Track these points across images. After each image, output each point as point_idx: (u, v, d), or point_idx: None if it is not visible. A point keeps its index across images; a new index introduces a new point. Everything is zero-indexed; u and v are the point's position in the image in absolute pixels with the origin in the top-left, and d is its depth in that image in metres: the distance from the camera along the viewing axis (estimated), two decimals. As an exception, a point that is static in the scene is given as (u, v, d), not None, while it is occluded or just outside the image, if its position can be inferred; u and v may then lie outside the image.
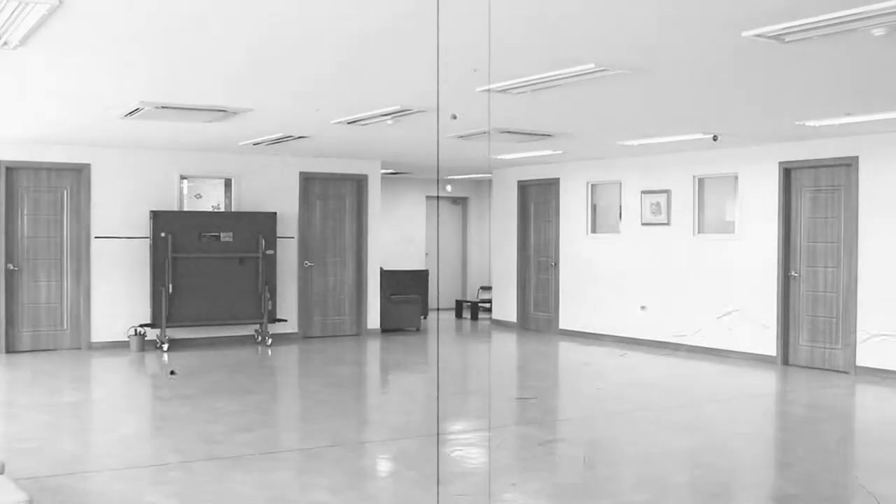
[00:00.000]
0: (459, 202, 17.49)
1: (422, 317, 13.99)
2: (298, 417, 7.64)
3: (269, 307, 11.46)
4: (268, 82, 6.50)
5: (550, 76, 5.99)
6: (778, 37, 4.78)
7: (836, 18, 4.38)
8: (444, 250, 17.30)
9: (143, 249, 11.15)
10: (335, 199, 12.63)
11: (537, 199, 13.59)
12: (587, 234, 12.65)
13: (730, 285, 10.59)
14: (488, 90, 6.51)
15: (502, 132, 9.27)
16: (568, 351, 11.62)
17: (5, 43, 5.06)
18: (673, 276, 11.31)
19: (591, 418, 7.39)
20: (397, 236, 16.38)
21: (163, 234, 10.87)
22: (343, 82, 6.45)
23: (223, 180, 11.95)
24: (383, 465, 6.03)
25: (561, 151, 11.33)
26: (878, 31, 4.58)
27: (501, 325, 14.12)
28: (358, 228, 12.78)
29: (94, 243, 10.98)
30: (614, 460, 6.17)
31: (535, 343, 12.28)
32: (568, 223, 12.93)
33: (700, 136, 9.44)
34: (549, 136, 9.60)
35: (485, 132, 9.24)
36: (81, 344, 10.93)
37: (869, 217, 9.26)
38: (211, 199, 11.94)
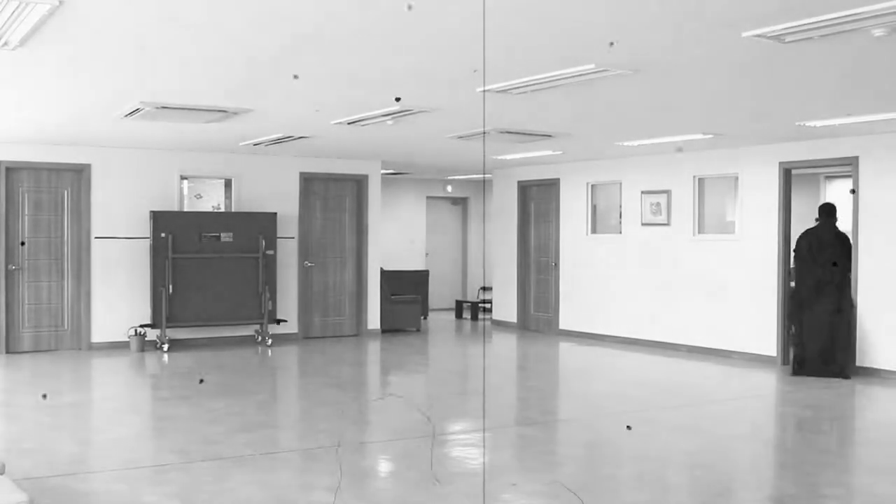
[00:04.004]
0: (459, 202, 17.49)
1: (422, 317, 13.99)
2: (298, 418, 7.64)
3: (270, 307, 11.46)
4: (268, 82, 6.50)
5: (550, 76, 5.99)
6: (778, 37, 4.78)
7: (836, 19, 4.38)
8: (445, 250, 17.30)
9: (143, 250, 11.15)
10: (335, 199, 12.63)
11: (537, 200, 13.59)
12: (587, 234, 12.65)
13: (730, 285, 10.59)
14: (483, 91, 6.51)
15: (502, 132, 9.27)
16: (568, 351, 11.62)
17: (5, 43, 5.06)
18: (673, 277, 11.30)
19: (591, 418, 7.39)
20: (400, 236, 16.39)
21: (163, 235, 10.87)
22: (343, 82, 6.45)
23: (223, 180, 11.96)
24: (383, 466, 6.03)
25: (561, 152, 11.33)
26: (878, 32, 4.58)
27: (501, 325, 14.11)
28: (358, 228, 12.78)
29: (95, 244, 10.98)
30: (613, 460, 6.17)
31: (535, 343, 12.27)
32: (568, 223, 12.92)
33: (700, 136, 9.44)
34: (549, 136, 9.60)
35: (485, 132, 9.25)
36: (82, 344, 10.93)
37: (869, 217, 9.25)
38: (211, 200, 11.94)
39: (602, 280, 12.33)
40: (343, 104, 7.53)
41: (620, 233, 12.15)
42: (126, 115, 8.06)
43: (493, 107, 7.37)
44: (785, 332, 10.04)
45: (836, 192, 13.04)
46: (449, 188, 17.12)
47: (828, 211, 9.47)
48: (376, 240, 12.91)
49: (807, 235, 9.50)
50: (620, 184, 12.14)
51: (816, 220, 9.58)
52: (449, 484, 5.38)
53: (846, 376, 9.01)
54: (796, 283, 9.60)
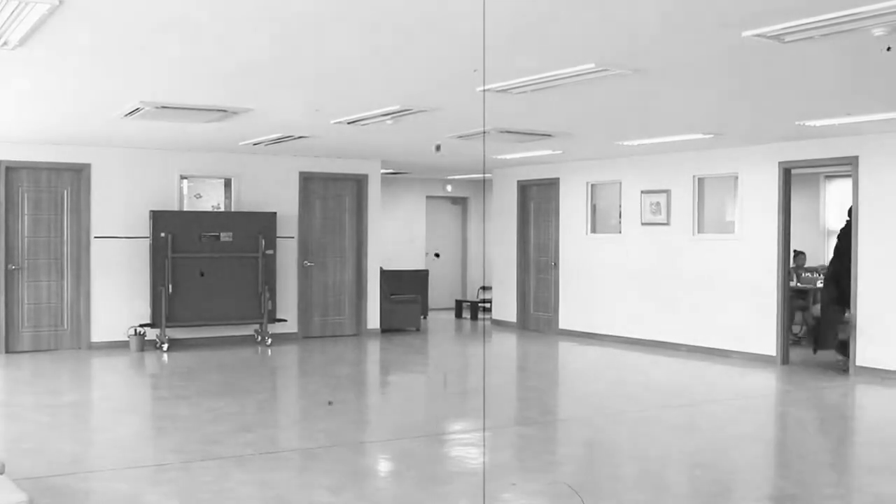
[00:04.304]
0: (459, 202, 17.50)
1: (422, 317, 13.98)
2: (298, 417, 7.63)
3: (269, 307, 11.46)
4: (268, 82, 6.49)
5: (550, 76, 5.99)
6: (778, 36, 4.78)
7: (836, 18, 4.38)
8: (445, 250, 17.31)
9: (143, 249, 11.15)
10: (335, 198, 12.63)
11: (537, 199, 13.59)
12: (587, 234, 12.65)
13: (729, 285, 10.60)
14: (483, 90, 6.51)
15: (502, 132, 9.27)
16: (567, 351, 11.62)
17: (5, 43, 5.06)
18: (673, 276, 11.30)
19: (591, 418, 7.39)
20: (399, 235, 16.38)
21: (163, 234, 10.87)
22: (343, 82, 6.45)
23: (223, 180, 11.96)
24: (383, 465, 6.03)
25: (561, 151, 11.33)
26: (878, 31, 4.58)
27: (501, 325, 14.11)
28: (358, 228, 12.78)
29: (94, 243, 10.98)
30: (614, 460, 6.17)
31: (535, 343, 12.28)
32: (568, 223, 12.93)
33: (700, 135, 9.44)
34: (548, 136, 9.60)
35: (485, 132, 9.24)
36: (81, 344, 10.93)
37: (869, 216, 9.25)
38: (211, 199, 11.94)
39: (602, 280, 12.33)
40: (343, 104, 7.53)
41: (620, 232, 12.15)
42: (126, 115, 8.06)
43: (493, 106, 7.37)
44: (786, 331, 10.05)
45: (836, 192, 13.07)
46: (449, 188, 17.12)
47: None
48: (376, 239, 12.91)
49: (839, 235, 9.85)
50: (620, 183, 12.14)
51: (847, 220, 9.67)
52: (449, 484, 5.38)
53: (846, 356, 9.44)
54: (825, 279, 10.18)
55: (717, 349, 10.70)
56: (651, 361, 10.48)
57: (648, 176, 11.66)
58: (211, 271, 11.17)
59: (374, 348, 11.69)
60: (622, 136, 9.73)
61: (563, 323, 12.96)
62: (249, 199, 11.89)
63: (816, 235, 13.46)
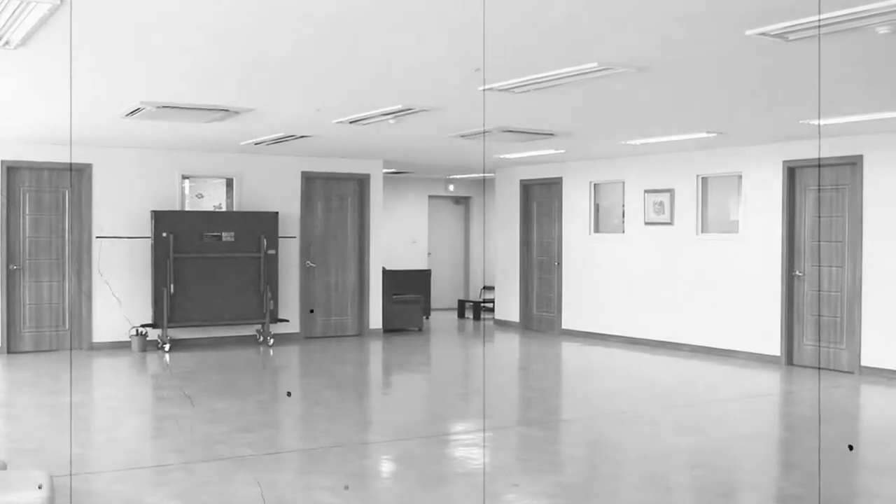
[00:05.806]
0: (462, 202, 17.48)
1: (424, 317, 13.96)
2: (300, 418, 7.62)
3: (271, 307, 11.45)
4: (269, 82, 6.47)
5: (553, 75, 5.96)
6: (782, 35, 4.75)
7: (840, 17, 4.36)
8: (447, 250, 17.29)
9: (144, 250, 11.13)
10: (337, 198, 12.61)
11: (540, 199, 13.56)
12: (590, 233, 12.62)
13: (733, 285, 10.57)
14: (483, 90, 6.49)
15: (504, 131, 9.25)
16: (570, 351, 11.59)
17: (6, 43, 5.04)
18: (676, 276, 11.27)
19: (592, 418, 7.37)
20: (402, 235, 16.37)
21: (164, 235, 10.86)
22: (344, 81, 6.43)
23: (225, 180, 11.94)
24: (385, 466, 6.01)
25: (563, 151, 11.31)
26: (882, 30, 4.55)
27: (504, 324, 14.09)
28: (360, 228, 12.76)
29: (96, 243, 10.96)
30: (616, 460, 6.15)
31: (537, 343, 12.25)
32: (571, 222, 12.90)
33: (704, 134, 9.41)
34: (551, 135, 9.58)
35: (486, 131, 9.22)
36: (83, 344, 10.91)
37: (873, 216, 9.22)
38: (212, 199, 11.92)
39: (605, 279, 12.30)
40: (344, 103, 7.51)
41: (623, 232, 12.12)
42: (126, 115, 8.05)
43: (495, 106, 7.35)
44: (790, 331, 10.02)
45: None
46: (451, 187, 17.10)
47: None
48: (378, 239, 12.89)
49: None
50: (623, 183, 12.11)
51: None
52: (451, 484, 5.36)
53: None
54: None
55: (721, 349, 10.67)
56: (654, 361, 10.46)
57: (652, 175, 11.64)
58: (213, 271, 11.15)
59: (376, 348, 11.68)
60: (625, 136, 9.71)
61: (566, 323, 12.94)
62: (251, 199, 11.87)
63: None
